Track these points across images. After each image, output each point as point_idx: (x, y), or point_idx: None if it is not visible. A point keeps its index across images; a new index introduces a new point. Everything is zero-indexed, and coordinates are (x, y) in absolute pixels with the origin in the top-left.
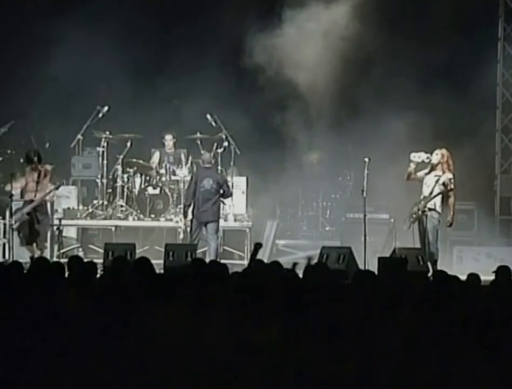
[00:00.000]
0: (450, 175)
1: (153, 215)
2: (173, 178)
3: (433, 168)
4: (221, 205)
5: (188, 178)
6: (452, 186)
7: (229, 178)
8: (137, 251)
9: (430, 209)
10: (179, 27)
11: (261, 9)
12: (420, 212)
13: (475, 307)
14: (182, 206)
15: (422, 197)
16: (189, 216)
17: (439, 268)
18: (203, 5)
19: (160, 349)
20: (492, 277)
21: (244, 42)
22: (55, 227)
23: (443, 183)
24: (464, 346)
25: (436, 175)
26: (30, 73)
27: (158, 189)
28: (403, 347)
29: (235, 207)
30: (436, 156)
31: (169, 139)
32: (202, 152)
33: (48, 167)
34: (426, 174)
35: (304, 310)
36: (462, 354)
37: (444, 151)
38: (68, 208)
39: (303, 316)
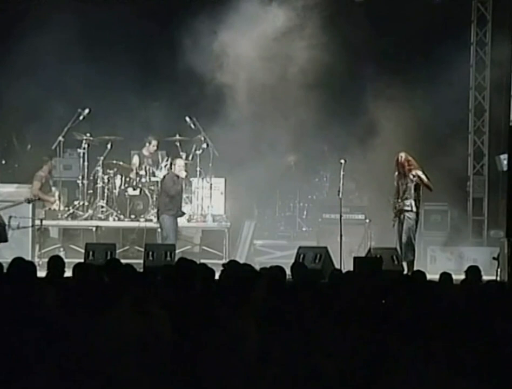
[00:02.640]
0: (418, 172)
1: (133, 216)
2: (152, 179)
3: (400, 171)
4: (163, 198)
5: None
6: (422, 176)
7: (207, 179)
8: (117, 251)
9: (406, 211)
10: (159, 31)
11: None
12: (397, 211)
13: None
14: None
15: (398, 196)
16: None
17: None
18: (181, 9)
19: (134, 350)
20: (463, 277)
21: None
22: (36, 228)
23: (413, 178)
24: (436, 344)
25: (405, 176)
26: (11, 76)
27: (138, 190)
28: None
29: (213, 208)
30: (403, 162)
31: (155, 144)
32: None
33: None
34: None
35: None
36: (434, 354)
37: (403, 153)
38: (50, 208)
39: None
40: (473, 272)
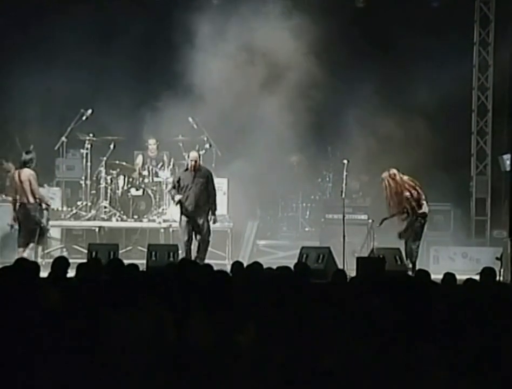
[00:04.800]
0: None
1: (136, 216)
2: (155, 179)
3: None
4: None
5: (170, 180)
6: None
7: None
8: (120, 251)
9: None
10: (159, 31)
11: None
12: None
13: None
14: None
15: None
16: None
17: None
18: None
19: (138, 350)
20: (466, 276)
21: None
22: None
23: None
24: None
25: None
26: (13, 76)
27: (141, 190)
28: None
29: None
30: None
31: (152, 143)
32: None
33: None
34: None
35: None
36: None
37: (384, 176)
38: (53, 209)
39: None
40: (487, 273)
